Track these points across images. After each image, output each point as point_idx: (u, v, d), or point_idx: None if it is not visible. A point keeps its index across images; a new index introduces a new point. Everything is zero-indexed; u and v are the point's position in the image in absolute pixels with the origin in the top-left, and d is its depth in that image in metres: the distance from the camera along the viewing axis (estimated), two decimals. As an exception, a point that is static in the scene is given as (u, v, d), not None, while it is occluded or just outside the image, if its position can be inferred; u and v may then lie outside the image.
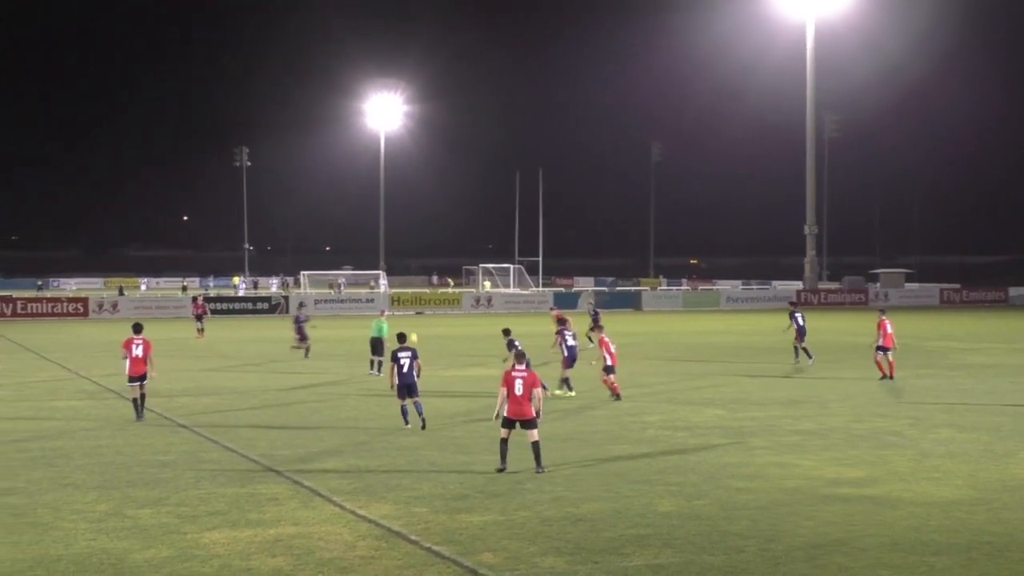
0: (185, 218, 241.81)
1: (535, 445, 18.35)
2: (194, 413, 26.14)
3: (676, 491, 17.00)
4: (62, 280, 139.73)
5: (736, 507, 15.92)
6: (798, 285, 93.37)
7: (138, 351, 24.60)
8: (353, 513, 15.66)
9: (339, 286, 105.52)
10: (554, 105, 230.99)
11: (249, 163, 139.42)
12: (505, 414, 18.40)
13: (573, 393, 28.80)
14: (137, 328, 25.20)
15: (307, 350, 40.64)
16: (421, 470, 18.73)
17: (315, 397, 29.36)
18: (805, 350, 37.44)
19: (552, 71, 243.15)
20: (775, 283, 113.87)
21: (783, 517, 15.30)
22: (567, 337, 29.61)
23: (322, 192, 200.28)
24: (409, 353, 23.24)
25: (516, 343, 27.48)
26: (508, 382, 18.39)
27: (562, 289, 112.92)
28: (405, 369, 23.03)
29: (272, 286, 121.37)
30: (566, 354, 29.24)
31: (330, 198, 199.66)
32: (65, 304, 72.72)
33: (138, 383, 24.67)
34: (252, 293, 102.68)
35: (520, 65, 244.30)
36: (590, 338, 39.43)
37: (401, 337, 23.73)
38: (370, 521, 15.19)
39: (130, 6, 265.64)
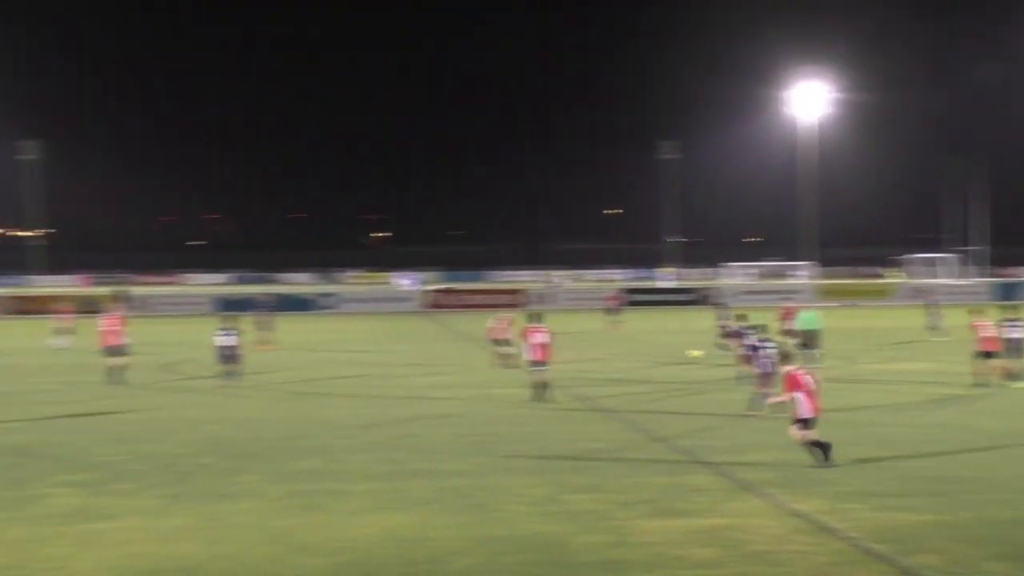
0: (610, 211, 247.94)
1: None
2: (622, 402, 26.70)
3: None
4: (502, 273, 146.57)
5: None
6: None
7: (538, 339, 26.69)
8: (782, 507, 15.47)
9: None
10: (992, 85, 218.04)
11: (675, 156, 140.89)
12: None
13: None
14: (535, 318, 27.65)
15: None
16: (849, 463, 18.19)
17: (737, 389, 29.19)
18: None
19: (987, 50, 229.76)
20: None
21: None
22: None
23: (743, 182, 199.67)
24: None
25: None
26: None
27: (1011, 280, 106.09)
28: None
29: (694, 277, 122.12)
30: None
31: (751, 189, 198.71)
32: (502, 296, 76.49)
33: (540, 368, 26.71)
34: (676, 284, 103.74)
35: (951, 44, 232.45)
36: None
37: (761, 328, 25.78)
38: (800, 516, 14.93)
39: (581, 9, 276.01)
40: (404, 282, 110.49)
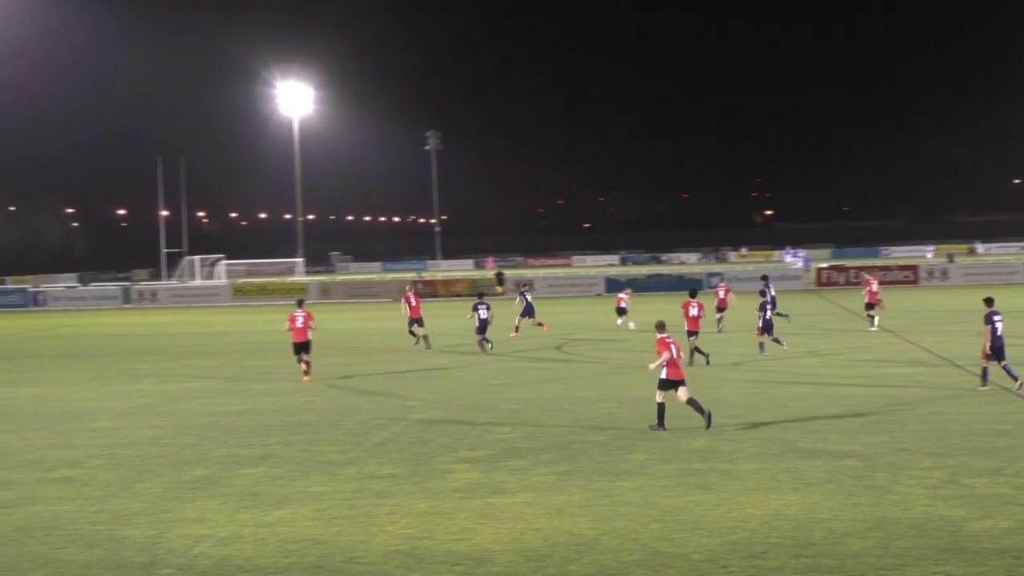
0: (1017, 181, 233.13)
1: None
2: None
3: None
4: (892, 249, 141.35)
5: None
6: None
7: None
8: None
9: None
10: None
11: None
12: None
13: None
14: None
15: None
16: None
17: None
18: None
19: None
20: None
21: None
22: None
23: None
24: None
25: None
26: None
27: None
28: None
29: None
30: None
31: None
32: (896, 272, 73.64)
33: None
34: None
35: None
36: None
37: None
38: None
39: None
40: (793, 259, 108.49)
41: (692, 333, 31.08)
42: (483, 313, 35.70)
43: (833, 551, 12.47)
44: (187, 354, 38.87)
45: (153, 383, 30.37)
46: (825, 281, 72.68)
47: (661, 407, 20.06)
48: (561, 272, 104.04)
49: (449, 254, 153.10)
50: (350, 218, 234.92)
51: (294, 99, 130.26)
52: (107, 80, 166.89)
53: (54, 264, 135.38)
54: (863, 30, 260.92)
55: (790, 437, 19.16)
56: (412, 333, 37.82)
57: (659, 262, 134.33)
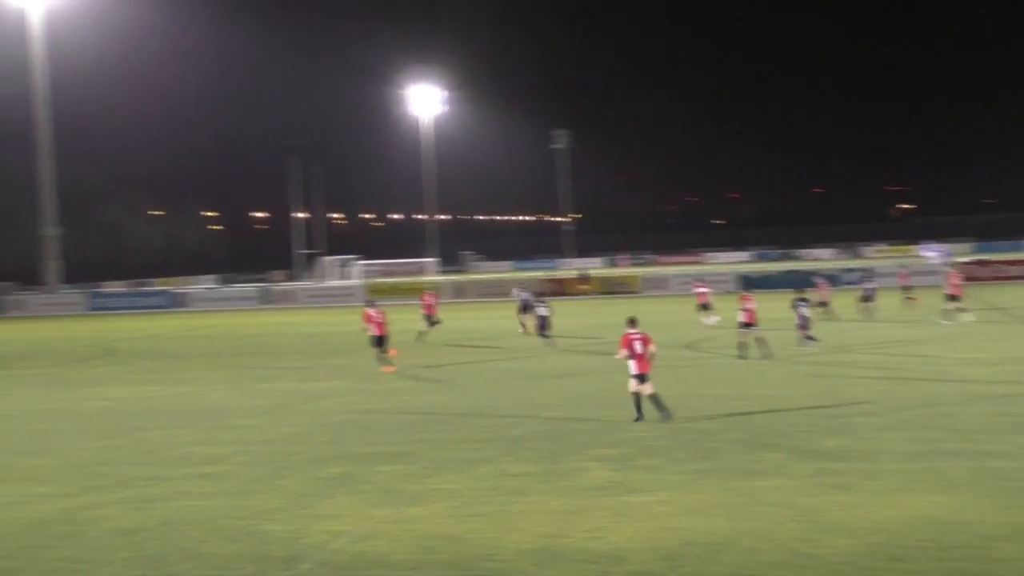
0: None
1: None
2: None
3: None
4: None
5: None
6: None
7: None
8: None
9: None
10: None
11: None
12: None
13: None
14: None
15: None
16: None
17: None
18: None
19: None
20: None
21: None
22: None
23: None
24: None
25: None
26: None
27: None
28: None
29: None
30: None
31: None
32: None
33: None
34: None
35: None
36: None
37: None
38: None
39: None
40: (931, 254, 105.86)
41: (747, 325, 32.33)
42: (542, 311, 38.12)
43: (978, 555, 12.15)
44: (323, 353, 39.55)
45: (291, 382, 30.98)
46: (965, 276, 70.73)
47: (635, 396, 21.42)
48: (692, 269, 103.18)
49: (580, 252, 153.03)
50: (481, 218, 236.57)
51: (425, 101, 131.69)
52: (244, 86, 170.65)
53: (195, 266, 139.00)
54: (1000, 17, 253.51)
55: (931, 436, 18.72)
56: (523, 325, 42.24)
57: (792, 258, 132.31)
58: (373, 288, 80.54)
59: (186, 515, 15.09)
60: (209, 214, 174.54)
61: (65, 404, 27.45)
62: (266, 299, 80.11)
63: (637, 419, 21.17)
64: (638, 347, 21.19)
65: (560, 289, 74.54)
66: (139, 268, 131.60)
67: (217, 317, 68.05)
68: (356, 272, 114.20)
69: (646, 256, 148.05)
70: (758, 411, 22.23)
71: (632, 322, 21.83)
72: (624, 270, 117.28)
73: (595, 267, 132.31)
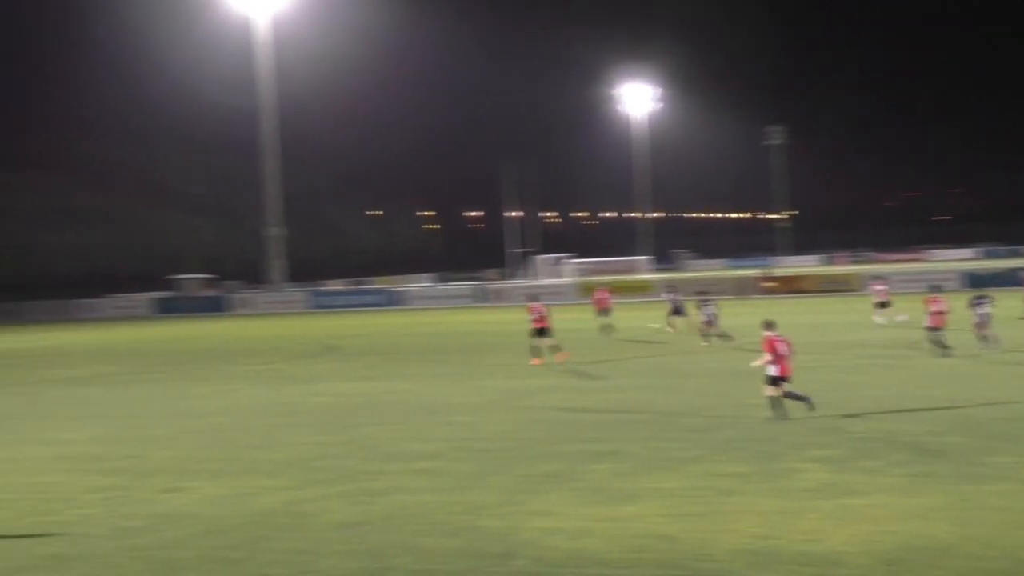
0: None
1: None
2: None
3: None
4: None
5: None
6: None
7: None
8: None
9: None
10: None
11: None
12: None
13: None
14: None
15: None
16: None
17: None
18: None
19: None
20: None
21: None
22: None
23: None
24: None
25: None
26: None
27: None
28: None
29: None
30: None
31: None
32: None
33: None
34: None
35: None
36: None
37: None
38: None
39: None
40: None
41: (934, 329, 31.02)
42: (710, 309, 38.56)
43: None
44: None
45: (502, 379, 31.39)
46: None
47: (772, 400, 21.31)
48: (914, 267, 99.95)
49: (796, 249, 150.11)
50: (694, 215, 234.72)
51: (637, 98, 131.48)
52: (459, 87, 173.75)
53: (412, 265, 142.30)
54: None
55: None
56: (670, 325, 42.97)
57: (1021, 255, 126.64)
58: (585, 286, 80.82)
59: (404, 509, 15.47)
60: (425, 214, 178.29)
61: (289, 399, 28.48)
62: (480, 297, 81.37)
63: (777, 418, 21.13)
64: (782, 349, 21.03)
65: (776, 288, 73.43)
66: (358, 267, 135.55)
67: (433, 315, 69.46)
68: (568, 270, 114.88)
69: (865, 253, 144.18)
70: (981, 413, 21.41)
71: (770, 325, 21.52)
72: (841, 268, 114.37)
73: (811, 265, 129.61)
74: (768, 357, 21.03)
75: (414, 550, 13.45)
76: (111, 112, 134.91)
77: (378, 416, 24.72)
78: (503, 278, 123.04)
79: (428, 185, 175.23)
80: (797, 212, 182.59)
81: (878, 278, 48.54)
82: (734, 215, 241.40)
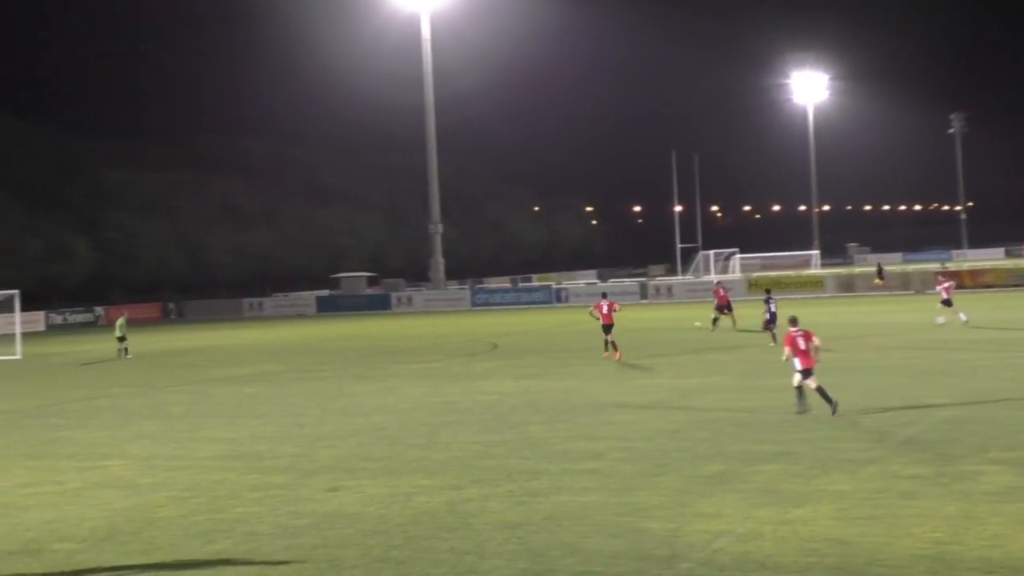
0: None
1: None
2: None
3: None
4: None
5: None
6: None
7: None
8: None
9: None
10: None
11: None
12: None
13: None
14: None
15: None
16: None
17: None
18: None
19: None
20: None
21: None
22: None
23: None
24: None
25: None
26: None
27: None
28: None
29: None
30: None
31: None
32: None
33: None
34: None
35: None
36: None
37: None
38: None
39: None
40: None
41: None
42: (772, 307, 38.80)
43: None
44: (702, 348, 39.27)
45: (668, 377, 30.90)
46: None
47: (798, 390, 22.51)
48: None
49: (977, 242, 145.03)
50: (867, 207, 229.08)
51: (808, 87, 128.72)
52: (623, 81, 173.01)
53: (575, 261, 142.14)
54: None
55: None
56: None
57: None
58: (752, 282, 79.45)
59: (568, 510, 15.22)
60: (589, 209, 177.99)
61: (452, 398, 28.51)
62: (645, 294, 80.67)
63: (799, 412, 22.25)
64: (801, 343, 22.11)
65: (960, 282, 70.92)
66: (519, 264, 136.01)
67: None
68: (735, 266, 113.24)
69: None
70: None
71: (793, 321, 22.74)
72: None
73: (994, 258, 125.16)
74: (788, 352, 22.37)
75: (577, 552, 13.19)
76: (276, 112, 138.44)
77: (540, 415, 24.53)
78: (669, 274, 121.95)
79: (592, 180, 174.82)
80: (974, 203, 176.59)
81: (944, 274, 48.15)
82: (911, 207, 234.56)
